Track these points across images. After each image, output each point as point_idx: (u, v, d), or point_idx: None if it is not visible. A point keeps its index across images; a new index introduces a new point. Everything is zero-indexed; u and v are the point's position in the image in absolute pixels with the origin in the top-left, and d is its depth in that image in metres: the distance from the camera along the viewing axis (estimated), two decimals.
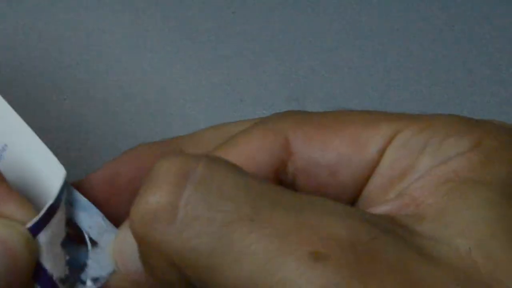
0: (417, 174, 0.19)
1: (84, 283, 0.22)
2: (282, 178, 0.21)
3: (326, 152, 0.20)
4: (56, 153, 0.23)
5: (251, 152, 0.21)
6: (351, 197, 0.21)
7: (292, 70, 0.46)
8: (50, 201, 0.22)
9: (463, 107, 0.45)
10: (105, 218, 0.23)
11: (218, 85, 0.45)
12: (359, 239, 0.17)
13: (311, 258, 0.16)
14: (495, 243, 0.17)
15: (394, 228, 0.18)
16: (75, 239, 0.23)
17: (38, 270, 0.21)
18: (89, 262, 0.22)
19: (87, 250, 0.22)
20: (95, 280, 0.22)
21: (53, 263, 0.21)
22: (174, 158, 0.19)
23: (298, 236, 0.17)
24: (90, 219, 0.22)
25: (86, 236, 0.22)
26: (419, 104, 0.45)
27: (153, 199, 0.18)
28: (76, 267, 0.22)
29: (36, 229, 0.21)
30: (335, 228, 0.17)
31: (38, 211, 0.21)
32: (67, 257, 0.22)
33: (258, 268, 0.17)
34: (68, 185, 0.23)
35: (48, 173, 0.23)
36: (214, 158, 0.19)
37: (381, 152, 0.20)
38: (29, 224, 0.21)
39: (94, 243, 0.22)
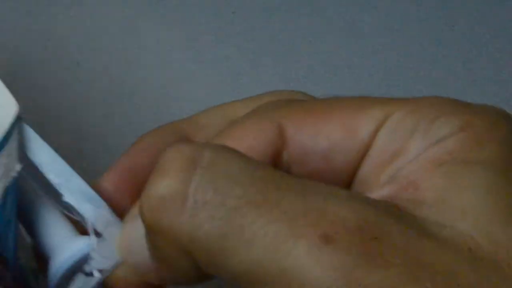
0: (409, 156, 0.20)
1: (90, 274, 0.22)
2: (278, 167, 0.21)
3: (318, 139, 0.21)
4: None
5: (249, 142, 0.21)
6: (345, 181, 0.21)
7: (292, 70, 0.46)
8: None
9: None
10: (110, 210, 0.23)
11: (218, 84, 0.45)
12: (366, 221, 0.17)
13: (320, 240, 0.17)
14: (495, 224, 0.18)
15: (397, 212, 0.18)
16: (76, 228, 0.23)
17: None
18: (93, 254, 0.22)
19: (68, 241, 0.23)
20: (100, 272, 0.22)
21: None
22: (181, 146, 0.19)
23: (307, 220, 0.17)
24: (96, 211, 0.22)
25: (91, 228, 0.22)
26: None
27: (163, 186, 0.18)
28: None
29: None
30: (342, 211, 0.17)
31: None
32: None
33: (269, 251, 0.17)
34: (55, 156, 0.23)
35: None
36: (219, 145, 0.19)
37: (372, 136, 0.20)
38: None
39: (98, 234, 0.22)
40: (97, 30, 0.46)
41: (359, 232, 0.17)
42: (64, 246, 0.23)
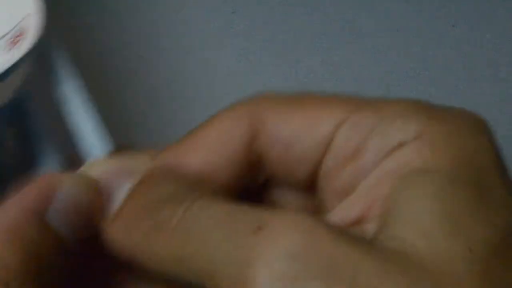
0: (368, 157, 0.21)
1: None
2: (251, 154, 0.23)
3: (282, 129, 0.22)
4: None
5: (226, 128, 0.23)
6: (308, 173, 0.22)
7: (292, 70, 0.46)
8: None
9: (463, 107, 0.46)
10: None
11: (218, 84, 0.45)
12: (315, 226, 0.18)
13: (254, 230, 0.18)
14: (438, 233, 0.18)
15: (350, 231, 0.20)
16: None
17: None
18: None
19: None
20: None
21: None
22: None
23: (247, 216, 0.19)
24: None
25: None
26: None
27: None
28: None
29: None
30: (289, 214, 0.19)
31: None
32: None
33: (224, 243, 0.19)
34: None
35: None
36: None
37: (333, 132, 0.22)
38: None
39: None
40: (108, 29, 0.46)
41: (301, 225, 0.18)
42: None
